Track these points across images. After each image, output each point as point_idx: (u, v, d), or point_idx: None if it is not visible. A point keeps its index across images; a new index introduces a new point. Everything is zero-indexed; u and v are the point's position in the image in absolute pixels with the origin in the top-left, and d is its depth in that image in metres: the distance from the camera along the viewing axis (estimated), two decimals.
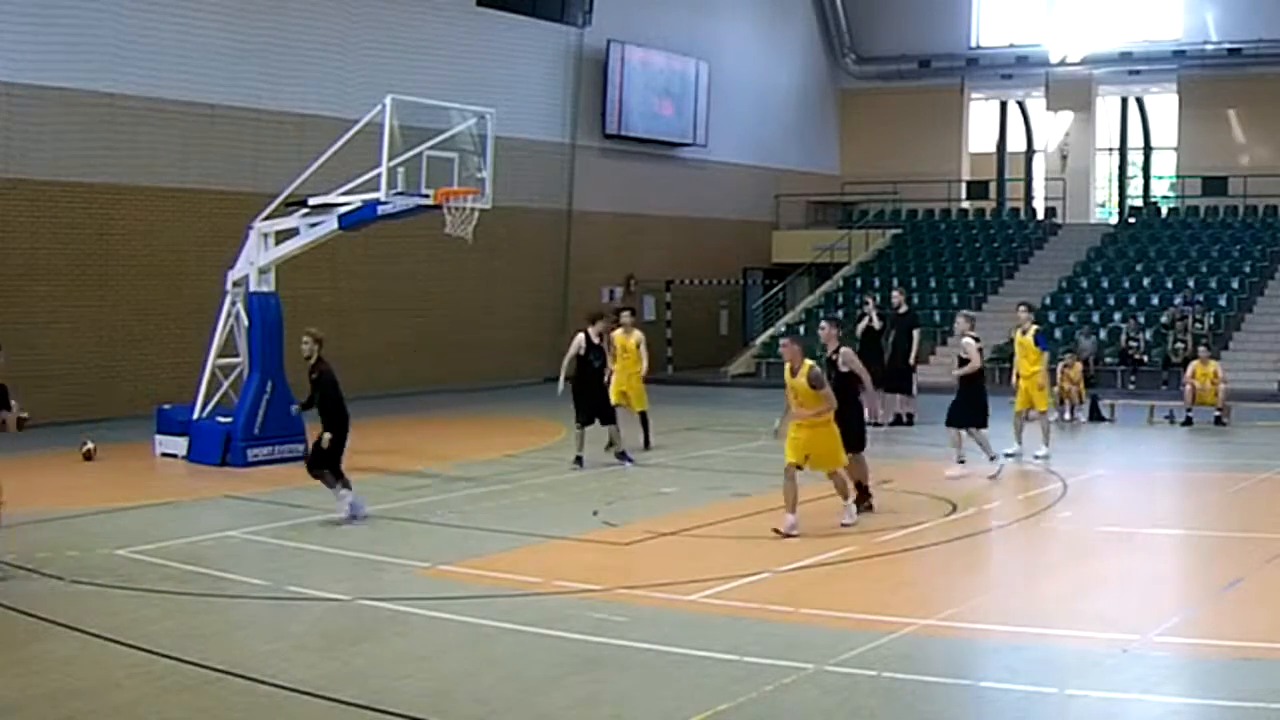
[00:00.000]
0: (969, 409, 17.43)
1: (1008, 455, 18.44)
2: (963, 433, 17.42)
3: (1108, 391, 26.27)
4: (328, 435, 13.99)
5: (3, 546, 11.68)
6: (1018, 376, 19.33)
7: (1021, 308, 19.68)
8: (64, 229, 23.07)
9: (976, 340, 17.53)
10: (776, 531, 13.06)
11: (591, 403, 17.76)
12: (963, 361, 17.47)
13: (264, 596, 10.91)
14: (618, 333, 18.75)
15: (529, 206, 30.58)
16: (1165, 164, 40.44)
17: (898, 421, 22.97)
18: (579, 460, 17.62)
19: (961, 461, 17.34)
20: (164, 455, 18.71)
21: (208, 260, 22.20)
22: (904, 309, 23.56)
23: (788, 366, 13.51)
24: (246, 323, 18.75)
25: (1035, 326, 19.26)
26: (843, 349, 15.00)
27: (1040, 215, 39.03)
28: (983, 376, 17.67)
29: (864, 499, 14.25)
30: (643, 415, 19.24)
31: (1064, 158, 39.73)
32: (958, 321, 18.24)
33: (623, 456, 17.88)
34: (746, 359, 34.11)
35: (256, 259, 18.76)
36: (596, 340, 17.88)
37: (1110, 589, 11.29)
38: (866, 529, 13.48)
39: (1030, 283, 34.15)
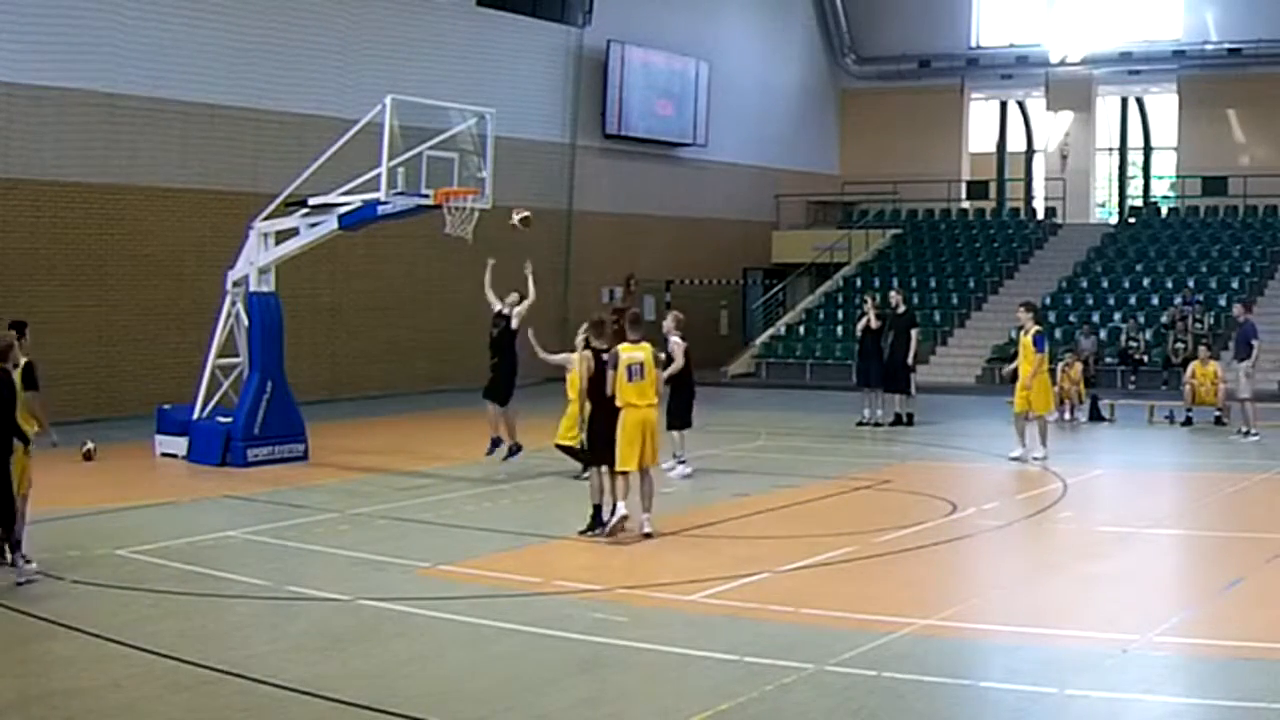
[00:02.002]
0: (672, 409, 16.92)
1: (1012, 459, 18.44)
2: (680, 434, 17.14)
3: (1108, 391, 26.27)
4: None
5: (28, 544, 11.59)
6: (1016, 375, 19.16)
7: (1021, 308, 19.48)
8: (64, 229, 23.06)
9: (683, 340, 16.97)
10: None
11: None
12: (670, 361, 16.74)
13: (264, 596, 10.91)
14: None
15: (529, 206, 30.49)
16: (1165, 164, 40.44)
17: (897, 421, 22.99)
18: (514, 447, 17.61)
19: (682, 462, 17.15)
20: (164, 455, 18.70)
21: (208, 260, 22.22)
22: (902, 309, 23.56)
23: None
24: (246, 323, 18.74)
25: (1036, 327, 19.03)
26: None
27: (1040, 215, 39.02)
28: (690, 377, 17.25)
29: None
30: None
31: (1064, 158, 39.71)
32: (666, 321, 17.35)
33: (496, 443, 17.63)
34: (746, 359, 34.12)
35: (256, 259, 18.75)
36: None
37: (1110, 589, 11.29)
38: (866, 529, 13.49)
39: (1030, 283, 34.16)
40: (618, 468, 12.96)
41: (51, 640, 9.56)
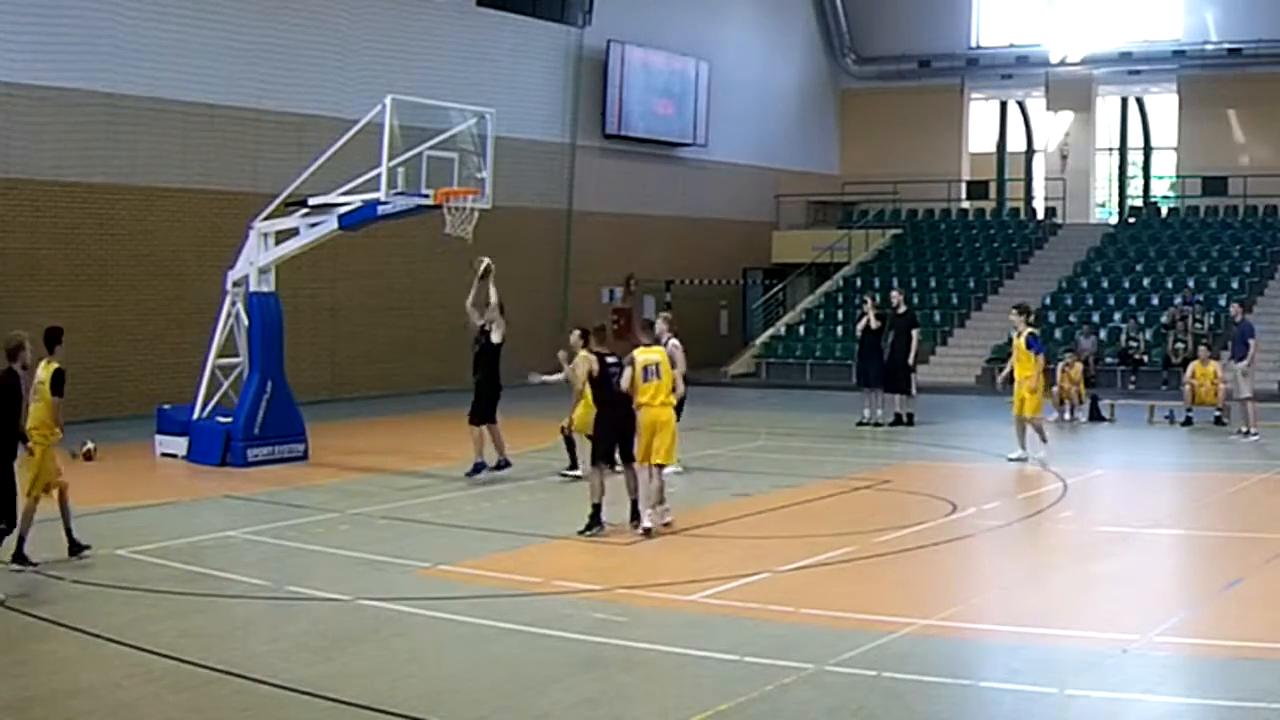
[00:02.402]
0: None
1: (1011, 459, 18.38)
2: None
3: (1108, 391, 26.26)
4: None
5: (31, 547, 11.74)
6: (1010, 379, 18.89)
7: (1014, 310, 19.15)
8: (64, 229, 23.06)
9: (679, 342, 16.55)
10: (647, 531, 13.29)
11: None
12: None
13: (264, 596, 10.92)
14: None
15: (529, 206, 30.58)
16: (1165, 164, 40.43)
17: (897, 421, 22.99)
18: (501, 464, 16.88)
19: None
20: (164, 455, 18.70)
21: (208, 260, 22.21)
22: (903, 309, 23.55)
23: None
24: (246, 323, 18.75)
25: (1030, 329, 18.77)
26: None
27: (1040, 215, 39.01)
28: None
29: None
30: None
31: (1064, 158, 39.71)
32: (658, 322, 17.01)
33: (479, 467, 16.82)
34: (746, 359, 34.10)
35: (256, 259, 18.76)
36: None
37: (1110, 589, 11.30)
38: (866, 529, 13.49)
39: (1030, 283, 34.16)
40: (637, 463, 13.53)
41: (51, 640, 9.56)
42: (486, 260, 16.97)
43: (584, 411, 16.37)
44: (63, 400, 11.96)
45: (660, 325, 17.07)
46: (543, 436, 18.68)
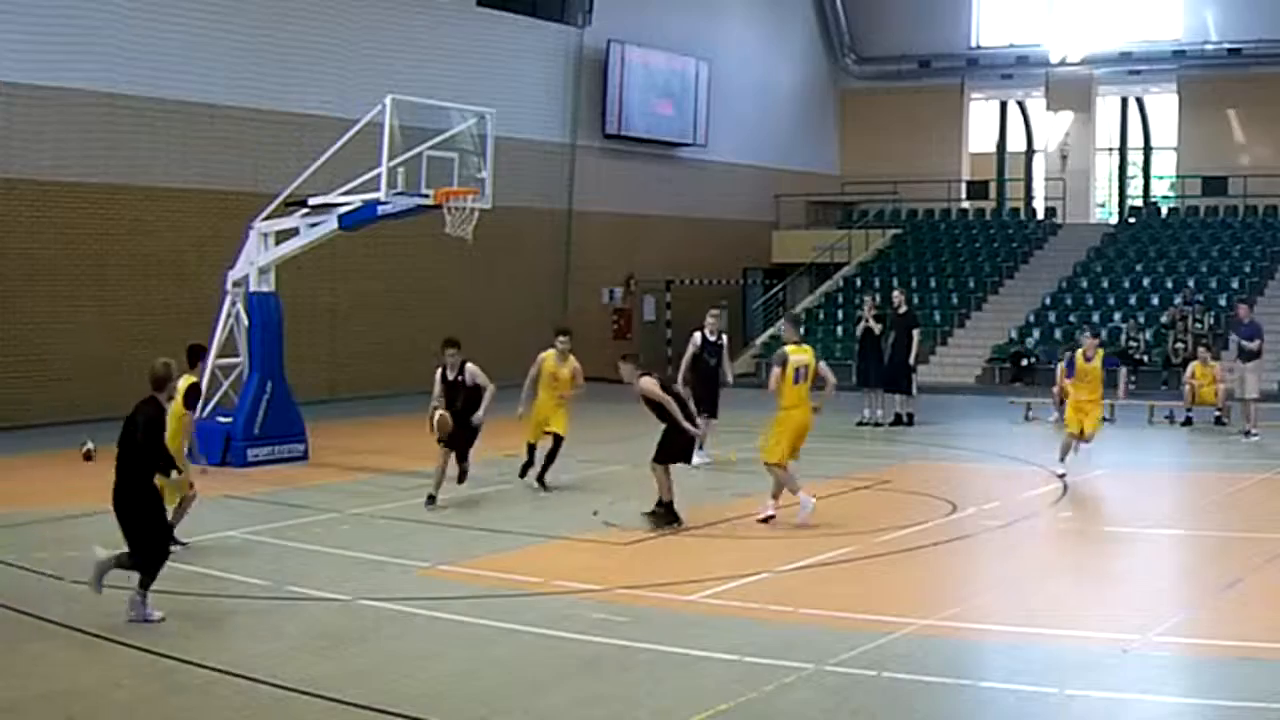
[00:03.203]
0: (705, 399, 17.60)
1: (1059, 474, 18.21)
2: None
3: (1108, 391, 26.17)
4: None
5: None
6: (1064, 397, 18.64)
7: (1089, 334, 18.90)
8: (64, 229, 23.05)
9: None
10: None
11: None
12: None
13: (264, 596, 10.92)
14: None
15: (529, 206, 30.56)
16: (1165, 164, 40.43)
17: (897, 421, 23.01)
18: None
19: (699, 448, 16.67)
20: None
21: (208, 260, 22.22)
22: (904, 309, 23.56)
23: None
24: (246, 323, 18.76)
25: (1100, 352, 18.48)
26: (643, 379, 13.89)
27: (1040, 215, 39.01)
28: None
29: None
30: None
31: (1064, 158, 39.69)
32: (712, 320, 17.45)
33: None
34: (746, 359, 34.08)
35: (256, 259, 18.77)
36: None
37: (1110, 589, 11.31)
38: (866, 529, 13.49)
39: (1030, 283, 34.15)
40: (768, 459, 13.72)
41: (51, 640, 9.56)
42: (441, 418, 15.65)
43: (547, 416, 16.27)
44: (193, 415, 12.54)
45: (716, 323, 17.52)
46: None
